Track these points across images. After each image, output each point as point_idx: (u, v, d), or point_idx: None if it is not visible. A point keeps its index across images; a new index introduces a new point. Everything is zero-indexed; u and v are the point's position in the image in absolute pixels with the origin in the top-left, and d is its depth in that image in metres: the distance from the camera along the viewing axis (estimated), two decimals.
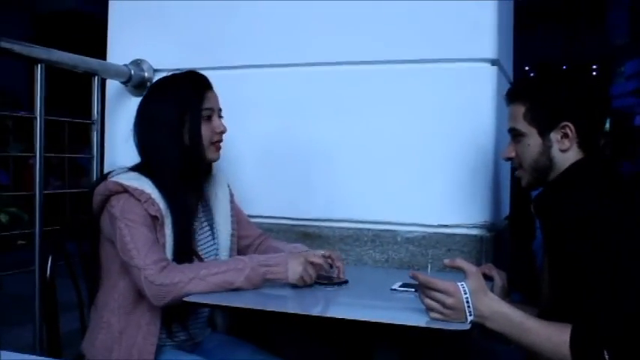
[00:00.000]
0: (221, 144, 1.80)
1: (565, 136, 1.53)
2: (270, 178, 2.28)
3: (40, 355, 1.84)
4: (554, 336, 1.33)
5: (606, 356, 1.27)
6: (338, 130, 2.19)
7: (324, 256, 1.76)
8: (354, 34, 2.16)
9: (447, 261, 1.47)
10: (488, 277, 1.74)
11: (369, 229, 2.15)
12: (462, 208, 2.07)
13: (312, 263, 1.67)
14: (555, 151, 1.55)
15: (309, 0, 2.22)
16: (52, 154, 2.37)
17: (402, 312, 1.51)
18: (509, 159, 1.66)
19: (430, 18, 2.08)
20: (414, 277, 1.42)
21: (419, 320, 1.40)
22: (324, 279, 1.75)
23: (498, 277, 1.75)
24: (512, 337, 1.39)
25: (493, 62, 2.05)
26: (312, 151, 2.22)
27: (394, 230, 2.12)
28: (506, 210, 2.47)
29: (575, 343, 1.31)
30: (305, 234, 2.21)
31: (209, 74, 1.83)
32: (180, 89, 1.75)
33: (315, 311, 1.60)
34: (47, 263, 1.76)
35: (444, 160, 2.09)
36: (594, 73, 17.64)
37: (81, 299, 1.86)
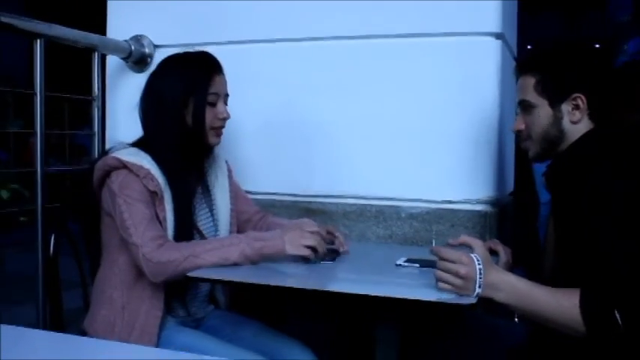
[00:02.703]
0: (222, 130, 1.79)
1: (576, 107, 1.53)
2: (272, 153, 2.27)
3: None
4: (564, 300, 1.33)
5: (617, 316, 1.27)
6: (341, 105, 2.17)
7: (328, 232, 1.76)
8: (358, 8, 2.14)
9: (451, 240, 1.48)
10: (493, 252, 1.73)
11: (372, 205, 2.14)
12: (466, 184, 2.06)
13: (309, 232, 1.65)
14: (566, 123, 1.54)
15: None
16: (53, 131, 2.34)
17: (408, 287, 1.51)
18: (518, 131, 1.64)
19: None
20: (433, 252, 1.41)
21: (424, 295, 1.38)
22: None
23: (503, 253, 1.75)
24: (521, 308, 1.38)
25: (497, 36, 2.02)
26: (316, 126, 2.21)
27: (398, 206, 2.11)
28: (510, 186, 2.45)
29: (585, 305, 1.30)
30: (308, 210, 2.20)
31: (210, 49, 1.81)
32: (190, 70, 1.73)
33: (318, 286, 1.58)
34: (50, 240, 1.75)
35: (447, 136, 2.07)
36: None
37: (84, 277, 1.85)
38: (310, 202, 2.22)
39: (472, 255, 1.36)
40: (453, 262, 1.35)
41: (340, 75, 2.17)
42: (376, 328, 1.76)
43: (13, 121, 6.56)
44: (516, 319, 1.90)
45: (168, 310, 1.71)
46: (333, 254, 1.74)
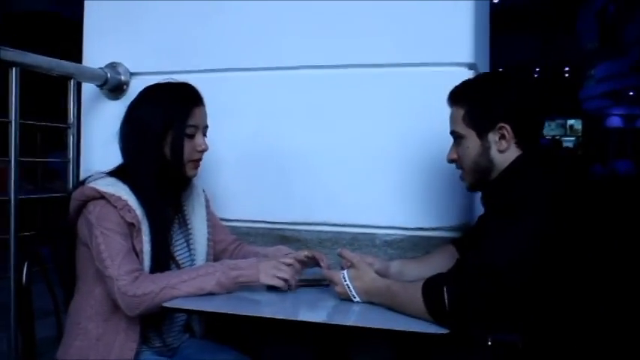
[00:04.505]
0: (200, 162, 1.79)
1: (502, 137, 1.58)
2: (247, 181, 2.27)
3: None
4: (412, 285, 1.47)
5: (445, 294, 1.39)
6: (316, 134, 2.19)
7: (307, 257, 1.78)
8: (332, 37, 2.17)
9: (339, 250, 1.73)
10: None
11: (347, 232, 2.16)
12: (439, 211, 2.08)
13: (284, 264, 1.68)
14: (494, 152, 1.59)
15: (286, 1, 2.22)
16: (26, 159, 2.31)
17: (381, 316, 1.52)
18: (452, 161, 1.71)
19: (407, 22, 2.09)
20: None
21: (397, 324, 1.42)
22: (303, 281, 1.76)
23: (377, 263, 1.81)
24: (390, 305, 1.52)
25: (470, 66, 2.06)
26: (290, 154, 2.22)
27: (372, 233, 2.13)
28: (482, 212, 2.48)
29: (425, 283, 1.45)
30: (283, 237, 2.21)
31: (186, 77, 1.83)
32: (170, 101, 1.73)
33: (292, 315, 1.60)
34: (22, 269, 1.74)
35: (421, 164, 2.10)
36: (566, 76, 17.98)
37: (57, 306, 1.83)
38: (285, 229, 2.22)
39: (341, 274, 1.60)
40: (334, 282, 1.61)
41: (315, 103, 2.19)
42: (353, 355, 1.77)
43: None
44: (489, 343, 1.92)
45: (143, 341, 1.70)
46: (321, 282, 1.77)
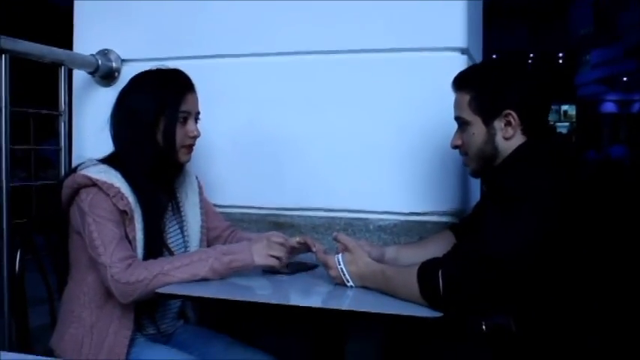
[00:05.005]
0: (193, 147, 1.79)
1: (508, 123, 1.56)
2: (241, 167, 2.27)
3: (10, 350, 1.81)
4: (407, 270, 1.46)
5: (440, 278, 1.38)
6: (309, 119, 2.19)
7: (299, 243, 1.77)
8: (325, 23, 2.16)
9: (334, 234, 1.70)
10: None
11: (341, 218, 2.16)
12: (432, 196, 2.09)
13: (276, 243, 1.67)
14: (499, 139, 1.58)
15: None
16: (18, 147, 2.31)
17: (375, 299, 1.52)
18: (456, 147, 1.69)
19: (400, 7, 2.08)
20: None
21: (390, 308, 1.42)
22: (295, 265, 1.76)
23: (372, 250, 1.79)
24: (384, 289, 1.52)
25: (463, 51, 2.06)
26: (283, 140, 2.22)
27: (366, 218, 2.13)
28: (476, 197, 2.49)
29: (421, 266, 1.44)
30: (276, 223, 2.21)
31: (177, 64, 1.82)
32: (162, 88, 1.72)
33: (286, 300, 1.60)
34: (15, 258, 1.73)
35: (414, 149, 2.10)
36: (560, 62, 17.99)
37: (51, 293, 1.83)
38: (279, 215, 2.23)
39: (335, 257, 1.59)
40: (328, 266, 1.60)
41: (308, 89, 2.19)
42: (348, 339, 1.77)
43: None
44: (484, 328, 1.93)
45: (137, 327, 1.70)
46: (307, 267, 1.77)
